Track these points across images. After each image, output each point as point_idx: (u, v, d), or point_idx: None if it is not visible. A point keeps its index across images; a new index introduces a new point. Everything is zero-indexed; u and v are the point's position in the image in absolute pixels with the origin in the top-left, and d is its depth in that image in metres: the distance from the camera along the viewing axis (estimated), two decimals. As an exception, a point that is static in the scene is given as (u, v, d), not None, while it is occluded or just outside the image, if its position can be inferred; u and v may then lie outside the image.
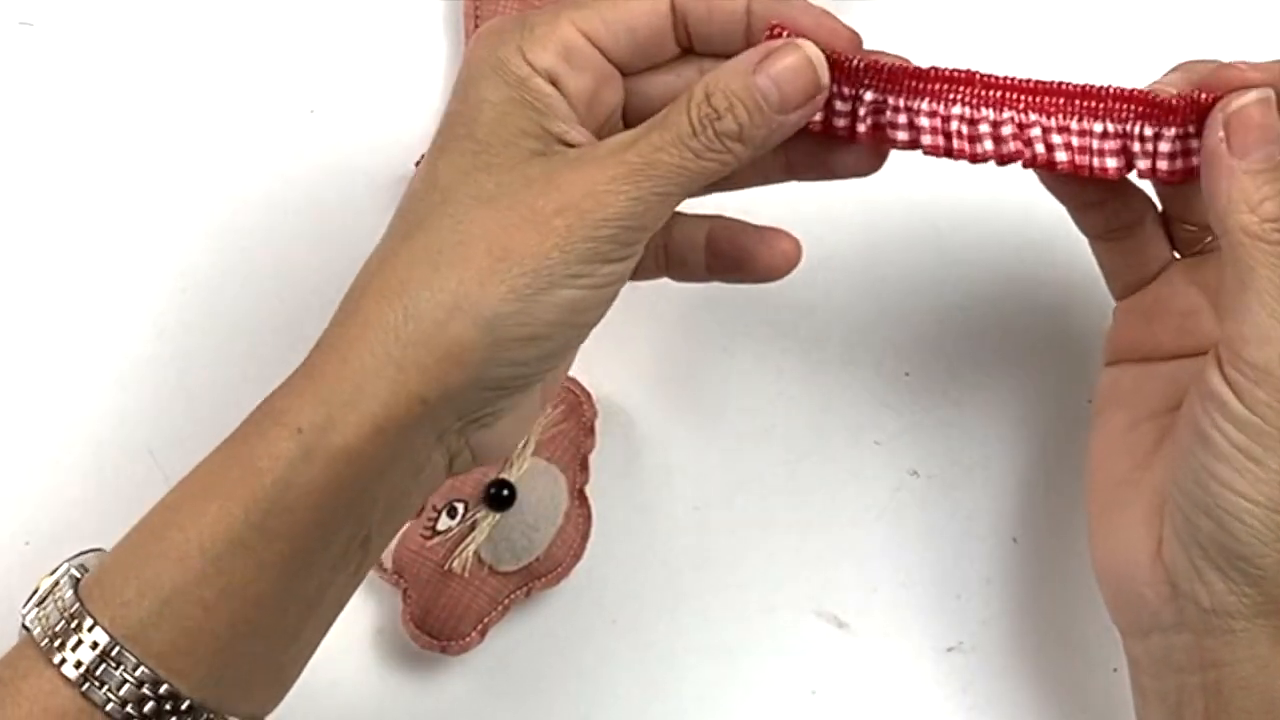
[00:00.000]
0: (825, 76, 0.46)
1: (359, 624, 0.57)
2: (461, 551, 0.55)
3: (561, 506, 0.56)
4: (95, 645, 0.42)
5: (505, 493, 0.55)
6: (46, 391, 0.58)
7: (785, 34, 0.46)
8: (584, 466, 0.57)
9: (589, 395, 0.58)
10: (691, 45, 0.48)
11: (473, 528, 0.55)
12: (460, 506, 0.56)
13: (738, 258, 0.49)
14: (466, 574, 0.56)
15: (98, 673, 0.42)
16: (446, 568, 0.55)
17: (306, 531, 0.43)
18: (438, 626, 0.56)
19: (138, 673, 0.42)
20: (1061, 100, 0.47)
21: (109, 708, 0.42)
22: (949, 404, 0.59)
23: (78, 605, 0.43)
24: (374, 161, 0.59)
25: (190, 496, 0.44)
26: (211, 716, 0.44)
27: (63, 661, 0.42)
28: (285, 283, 0.59)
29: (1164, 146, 0.46)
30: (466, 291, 0.43)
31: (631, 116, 0.48)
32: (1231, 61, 0.46)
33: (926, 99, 0.47)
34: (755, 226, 0.49)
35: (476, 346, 0.43)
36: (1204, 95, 0.46)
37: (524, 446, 0.56)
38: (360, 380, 0.43)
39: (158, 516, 0.44)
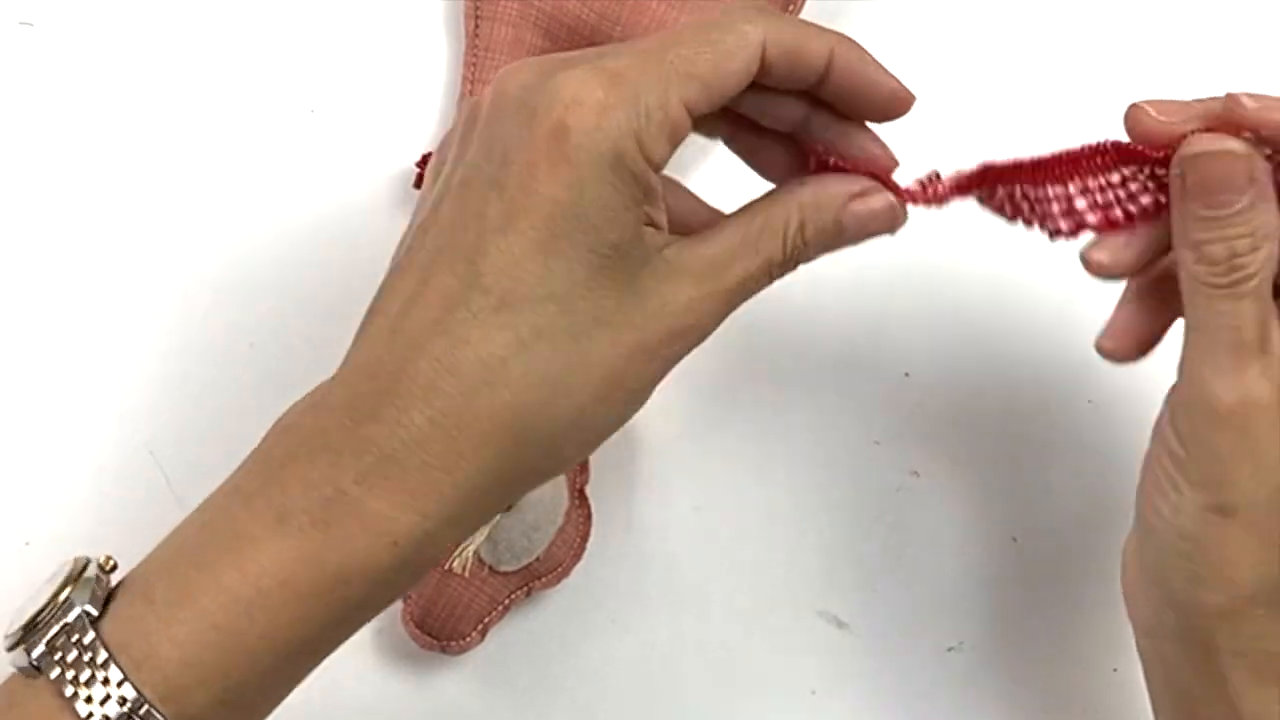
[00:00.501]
0: (902, 224, 0.48)
1: (359, 624, 0.57)
2: (461, 551, 0.55)
3: (561, 506, 0.56)
4: (123, 700, 0.41)
5: (505, 493, 0.55)
6: (47, 391, 0.58)
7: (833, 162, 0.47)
8: (584, 466, 0.57)
9: (589, 395, 0.58)
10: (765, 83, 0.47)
11: (473, 528, 0.55)
12: (460, 506, 0.56)
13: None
14: (466, 574, 0.56)
15: None
16: (446, 568, 0.55)
17: (372, 617, 0.44)
18: (438, 626, 0.56)
19: None
20: (1059, 169, 0.48)
21: None
22: (949, 404, 0.59)
23: (122, 676, 0.41)
24: (374, 161, 0.59)
25: (260, 590, 0.42)
26: None
27: (90, 715, 0.41)
28: (285, 282, 0.59)
29: (1134, 187, 0.47)
30: (583, 418, 0.44)
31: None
32: (1229, 96, 0.46)
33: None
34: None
35: (575, 458, 0.46)
36: (1159, 142, 0.47)
37: (524, 446, 0.56)
38: (467, 499, 0.43)
39: (218, 602, 0.42)
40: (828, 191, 0.47)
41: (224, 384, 0.58)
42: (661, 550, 0.58)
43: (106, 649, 0.41)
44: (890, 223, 0.48)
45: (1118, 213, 0.47)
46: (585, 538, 0.57)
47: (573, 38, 0.59)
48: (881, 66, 0.47)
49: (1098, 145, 0.47)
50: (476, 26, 0.59)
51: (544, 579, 0.57)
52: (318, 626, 0.42)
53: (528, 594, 0.57)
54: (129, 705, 0.41)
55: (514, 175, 0.43)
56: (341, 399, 0.43)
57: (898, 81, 0.47)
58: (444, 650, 0.56)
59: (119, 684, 0.41)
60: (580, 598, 0.58)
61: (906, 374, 0.60)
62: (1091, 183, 0.47)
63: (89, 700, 0.41)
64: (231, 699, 0.42)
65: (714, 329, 0.46)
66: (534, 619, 0.58)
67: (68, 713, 0.41)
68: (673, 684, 0.58)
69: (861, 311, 0.60)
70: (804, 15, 0.59)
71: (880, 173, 0.48)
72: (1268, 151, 0.45)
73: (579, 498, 0.57)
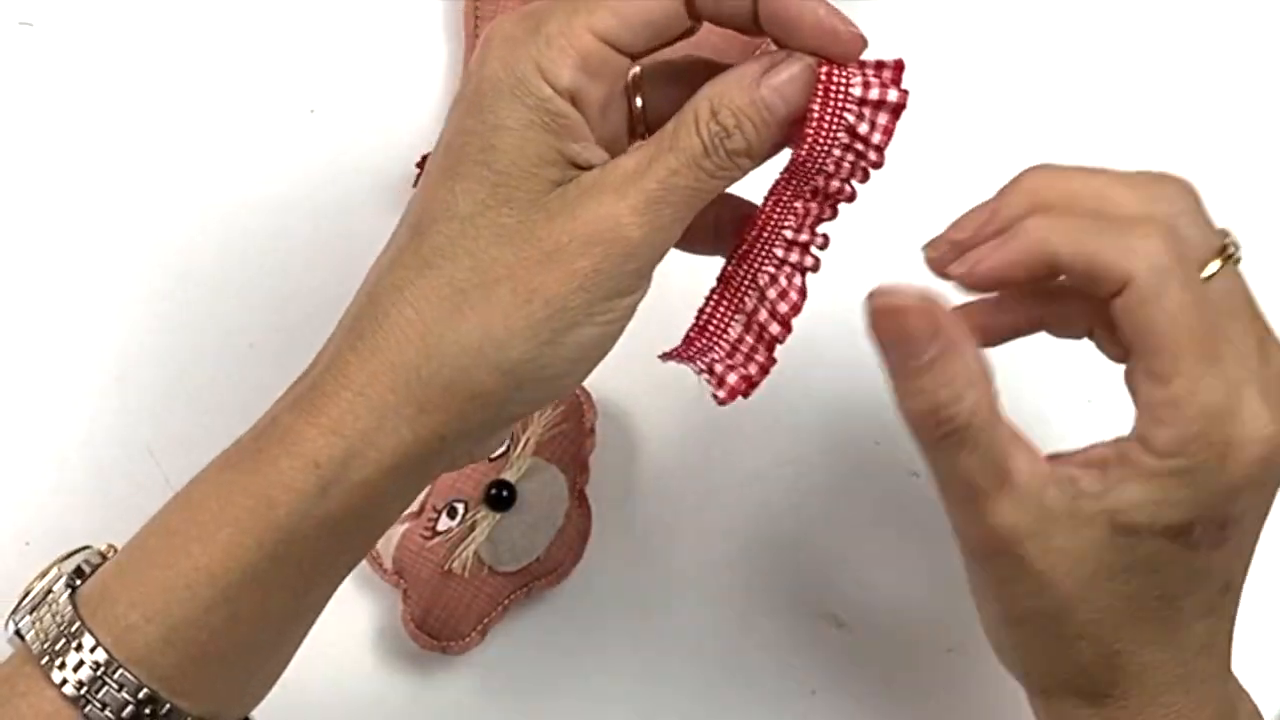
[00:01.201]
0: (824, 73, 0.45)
1: (359, 624, 0.57)
2: (461, 551, 0.55)
3: (561, 506, 0.56)
4: (97, 665, 0.42)
5: (505, 493, 0.55)
6: (47, 391, 0.58)
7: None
8: (584, 467, 0.57)
9: (589, 396, 0.58)
10: (699, 14, 0.46)
11: (473, 528, 0.55)
12: (460, 507, 0.56)
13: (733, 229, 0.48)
14: (466, 574, 0.56)
15: (97, 692, 0.42)
16: (446, 568, 0.55)
17: (317, 559, 0.44)
18: (438, 626, 0.56)
19: (141, 694, 0.42)
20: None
21: None
22: (949, 404, 0.59)
23: (79, 623, 0.43)
24: (374, 161, 0.59)
25: (199, 523, 0.43)
26: None
27: (64, 682, 0.42)
28: (285, 282, 0.59)
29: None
30: (491, 335, 0.43)
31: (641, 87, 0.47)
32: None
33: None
34: (735, 198, 0.48)
35: (499, 389, 0.43)
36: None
37: (524, 446, 0.56)
38: (381, 418, 0.43)
39: (163, 539, 0.43)
40: (734, 74, 0.45)
41: (224, 384, 0.58)
42: (661, 550, 0.58)
43: (73, 605, 0.43)
44: (810, 79, 0.45)
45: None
46: (585, 538, 0.57)
47: (573, 38, 0.59)
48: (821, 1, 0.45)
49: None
50: (476, 26, 0.59)
51: (544, 579, 0.57)
52: (253, 554, 0.42)
53: (528, 594, 0.57)
54: (86, 650, 0.42)
55: (447, 122, 0.45)
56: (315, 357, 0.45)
57: (835, 17, 0.45)
58: (444, 650, 0.56)
59: (77, 632, 0.42)
60: (580, 598, 0.58)
61: (906, 374, 0.59)
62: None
63: (53, 652, 0.42)
64: (178, 637, 0.42)
65: (649, 240, 0.43)
66: (534, 619, 0.58)
67: (31, 664, 0.43)
68: (673, 684, 0.58)
69: (861, 312, 0.60)
70: (804, 15, 0.59)
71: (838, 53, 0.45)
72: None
73: (579, 498, 0.57)
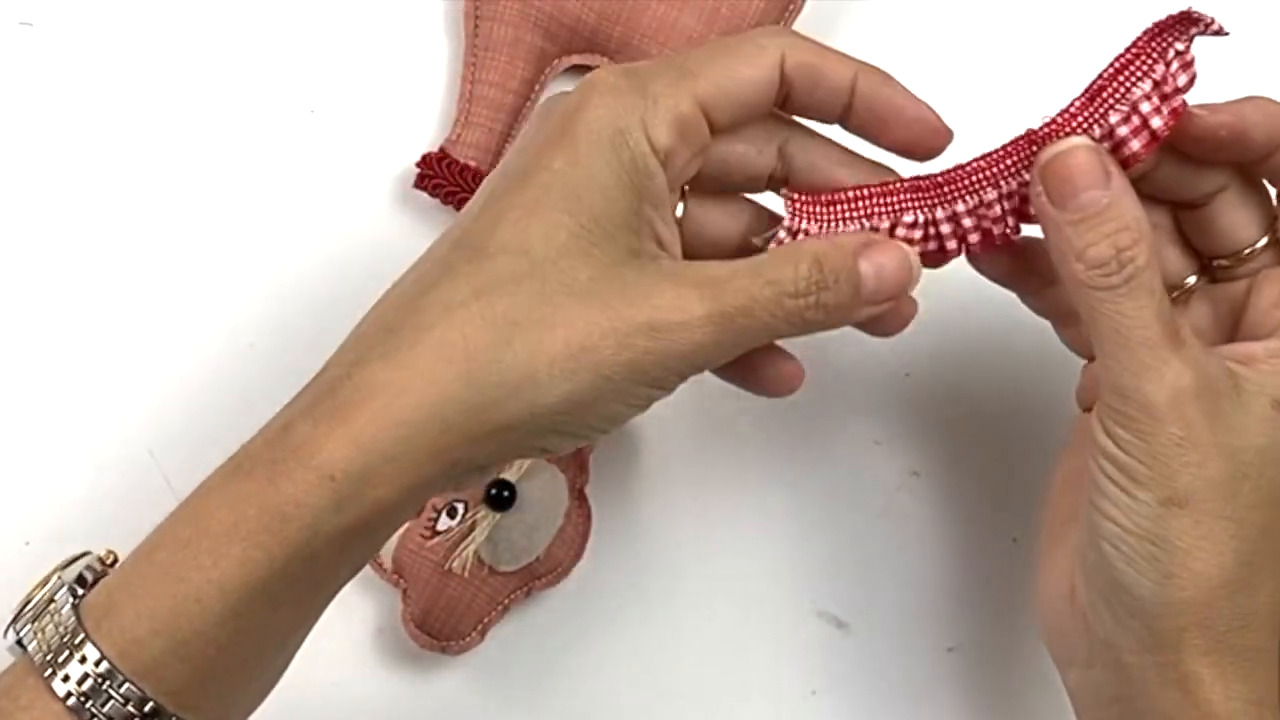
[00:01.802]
0: (918, 281, 0.47)
1: (359, 624, 0.57)
2: (461, 551, 0.55)
3: (561, 506, 0.56)
4: (100, 678, 0.42)
5: (505, 493, 0.55)
6: (46, 391, 0.58)
7: (800, 198, 0.47)
8: (584, 466, 0.57)
9: (589, 395, 0.58)
10: (783, 106, 0.47)
11: (473, 528, 0.55)
12: (460, 506, 0.56)
13: (744, 368, 0.49)
14: (466, 574, 0.56)
15: (102, 705, 0.42)
16: (446, 568, 0.55)
17: (326, 572, 0.43)
18: (438, 626, 0.56)
19: (146, 707, 0.42)
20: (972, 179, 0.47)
21: None
22: (949, 404, 0.59)
23: (83, 635, 0.42)
24: (374, 161, 0.59)
25: (210, 535, 0.42)
26: None
27: (68, 695, 0.42)
28: (285, 282, 0.59)
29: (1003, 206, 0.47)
30: (534, 377, 0.42)
31: (698, 184, 0.48)
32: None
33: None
34: (770, 345, 0.49)
35: (522, 430, 0.43)
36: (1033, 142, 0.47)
37: (524, 446, 0.56)
38: (405, 435, 0.42)
39: (172, 552, 0.42)
40: (838, 239, 0.46)
41: (224, 384, 0.58)
42: (661, 550, 0.58)
43: (76, 615, 0.42)
44: (906, 282, 0.47)
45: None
46: (585, 538, 0.57)
47: (573, 38, 0.59)
48: (910, 93, 0.47)
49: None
50: (476, 26, 0.59)
51: (544, 579, 0.57)
52: (264, 569, 0.42)
53: (528, 594, 0.57)
54: (90, 663, 0.42)
55: (524, 158, 0.44)
56: (330, 359, 0.45)
57: (930, 110, 0.47)
58: (444, 650, 0.56)
59: (80, 644, 0.42)
60: (580, 598, 0.58)
61: (907, 374, 0.60)
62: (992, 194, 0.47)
63: (56, 663, 0.42)
64: (187, 651, 0.42)
65: (708, 350, 0.44)
66: (534, 619, 0.58)
67: (34, 675, 0.42)
68: (673, 684, 0.58)
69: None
70: (804, 15, 0.59)
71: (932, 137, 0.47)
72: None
73: (579, 498, 0.57)
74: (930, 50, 0.62)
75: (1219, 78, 0.50)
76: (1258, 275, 0.49)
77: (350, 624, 0.57)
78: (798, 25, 0.59)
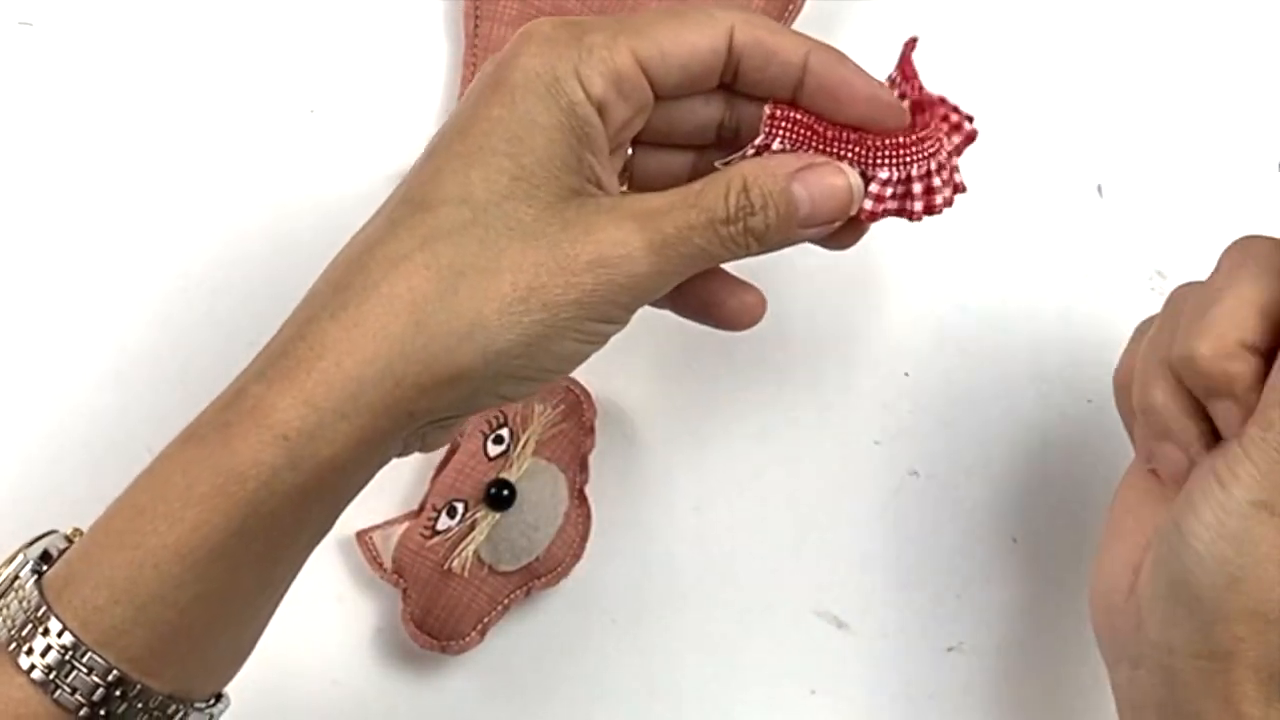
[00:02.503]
0: (857, 206, 0.46)
1: (359, 624, 0.57)
2: (461, 551, 0.55)
3: (561, 506, 0.56)
4: (64, 649, 0.42)
5: (505, 493, 0.55)
6: (46, 391, 0.58)
7: (780, 113, 0.46)
8: (584, 466, 0.57)
9: (589, 395, 0.58)
10: (733, 82, 0.47)
11: (473, 528, 0.55)
12: (460, 506, 0.56)
13: (705, 302, 0.49)
14: (466, 574, 0.56)
15: (66, 676, 0.42)
16: (446, 568, 0.55)
17: (284, 532, 0.43)
18: (438, 626, 0.56)
19: (110, 676, 0.42)
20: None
21: (82, 713, 0.42)
22: (949, 404, 0.59)
23: (45, 608, 0.42)
24: (374, 161, 0.59)
25: (164, 499, 0.42)
26: (180, 705, 0.44)
27: (32, 667, 0.42)
28: (285, 282, 0.58)
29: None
30: (483, 322, 0.43)
31: (645, 135, 0.48)
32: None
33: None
34: (725, 275, 0.49)
35: (476, 376, 0.43)
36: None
37: (524, 446, 0.56)
38: (356, 390, 0.42)
39: (129, 519, 0.43)
40: (774, 161, 0.46)
41: (224, 384, 0.57)
42: (661, 550, 0.58)
43: (39, 589, 0.43)
44: (843, 206, 0.46)
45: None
46: (585, 538, 0.57)
47: (573, 38, 0.59)
48: (863, 71, 0.47)
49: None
50: (476, 26, 0.59)
51: (544, 579, 0.57)
52: (220, 531, 0.42)
53: (528, 594, 0.57)
54: (53, 635, 0.42)
55: (462, 109, 0.45)
56: (284, 322, 0.45)
57: (883, 88, 0.47)
58: (444, 650, 0.56)
59: (44, 617, 0.42)
60: (580, 598, 0.58)
61: (906, 374, 0.60)
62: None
63: (21, 639, 0.42)
64: (146, 617, 0.42)
65: (651, 279, 0.44)
66: (534, 619, 0.58)
67: (10, 664, 0.42)
68: (673, 684, 0.58)
69: (861, 312, 0.60)
70: (804, 15, 0.59)
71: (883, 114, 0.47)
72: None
73: (579, 498, 0.57)
74: (930, 50, 0.62)
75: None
76: None
77: (350, 624, 0.57)
78: (797, 25, 0.59)
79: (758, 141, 0.47)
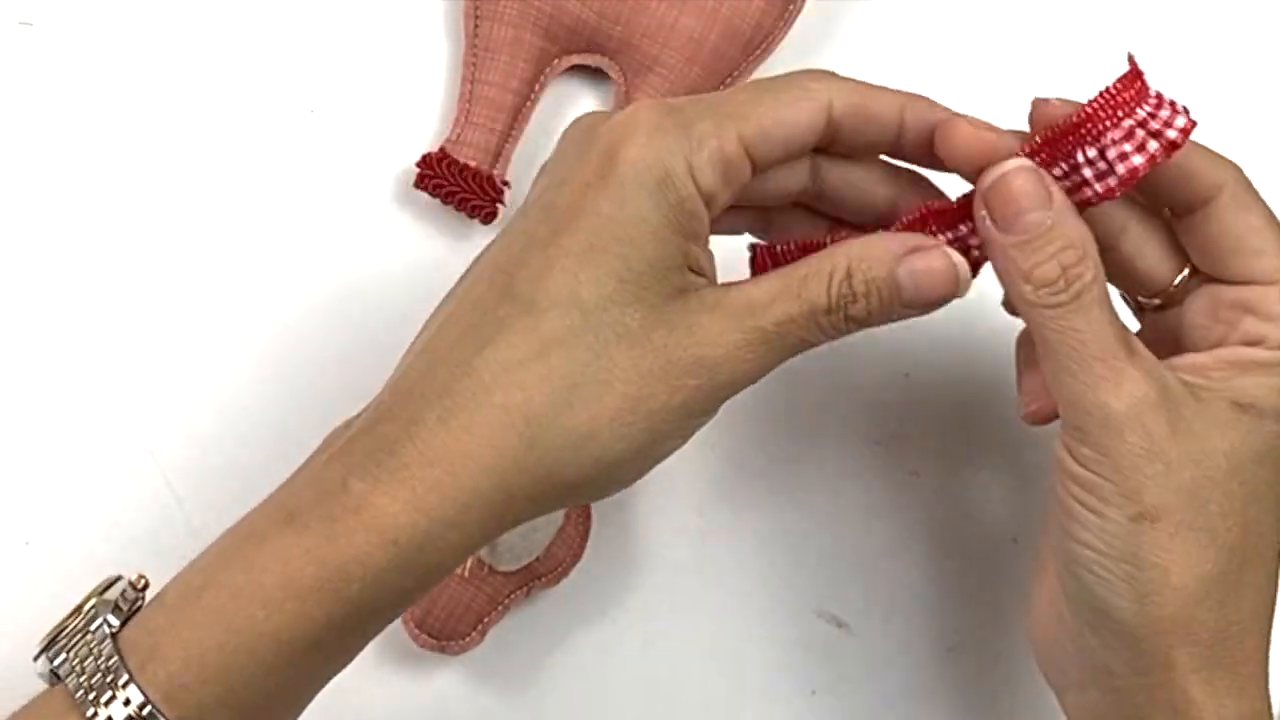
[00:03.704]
0: (965, 288, 0.46)
1: (359, 624, 0.57)
2: (461, 552, 0.55)
3: (561, 506, 0.56)
4: (144, 719, 0.41)
5: (505, 493, 0.55)
6: (47, 391, 0.58)
7: (761, 252, 0.47)
8: (584, 466, 0.57)
9: (589, 395, 0.58)
10: (829, 147, 0.47)
11: (473, 528, 0.55)
12: (460, 506, 0.56)
13: None
14: (466, 574, 0.56)
15: None
16: (446, 568, 0.55)
17: (379, 626, 0.44)
18: (438, 626, 0.56)
19: None
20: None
21: None
22: (949, 404, 0.59)
23: (127, 675, 0.41)
24: (374, 161, 0.59)
25: (264, 587, 0.42)
26: None
27: (94, 716, 0.41)
28: (285, 282, 0.59)
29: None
30: (595, 434, 0.42)
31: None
32: (1052, 98, 0.47)
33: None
34: None
35: (584, 486, 0.43)
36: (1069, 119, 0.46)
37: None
38: (469, 501, 0.42)
39: (225, 599, 0.42)
40: (879, 244, 0.45)
41: (224, 384, 0.58)
42: (661, 550, 0.58)
43: (118, 652, 0.42)
44: (949, 290, 0.46)
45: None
46: (585, 538, 0.57)
47: (573, 38, 0.59)
48: (957, 114, 0.47)
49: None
50: (476, 26, 0.59)
51: (544, 579, 0.57)
52: (320, 626, 0.42)
53: (528, 594, 0.57)
54: (134, 706, 0.41)
55: (565, 195, 0.44)
56: (369, 411, 0.44)
57: (983, 125, 0.47)
58: (444, 650, 0.56)
59: (124, 685, 0.41)
60: (580, 598, 0.58)
61: (907, 374, 0.60)
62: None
63: (97, 702, 0.41)
64: (235, 699, 0.42)
65: (751, 373, 0.44)
66: (534, 619, 0.58)
67: (75, 714, 0.41)
68: (673, 684, 0.58)
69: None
70: (804, 15, 0.59)
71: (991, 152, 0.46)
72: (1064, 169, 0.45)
73: (579, 498, 0.57)
74: (930, 50, 0.62)
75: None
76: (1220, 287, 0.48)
77: (350, 624, 0.57)
78: (797, 26, 0.59)
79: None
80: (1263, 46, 0.63)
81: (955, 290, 0.46)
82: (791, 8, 0.59)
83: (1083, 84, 0.62)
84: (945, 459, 0.59)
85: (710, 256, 0.46)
